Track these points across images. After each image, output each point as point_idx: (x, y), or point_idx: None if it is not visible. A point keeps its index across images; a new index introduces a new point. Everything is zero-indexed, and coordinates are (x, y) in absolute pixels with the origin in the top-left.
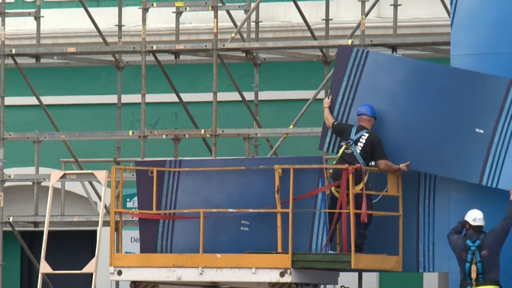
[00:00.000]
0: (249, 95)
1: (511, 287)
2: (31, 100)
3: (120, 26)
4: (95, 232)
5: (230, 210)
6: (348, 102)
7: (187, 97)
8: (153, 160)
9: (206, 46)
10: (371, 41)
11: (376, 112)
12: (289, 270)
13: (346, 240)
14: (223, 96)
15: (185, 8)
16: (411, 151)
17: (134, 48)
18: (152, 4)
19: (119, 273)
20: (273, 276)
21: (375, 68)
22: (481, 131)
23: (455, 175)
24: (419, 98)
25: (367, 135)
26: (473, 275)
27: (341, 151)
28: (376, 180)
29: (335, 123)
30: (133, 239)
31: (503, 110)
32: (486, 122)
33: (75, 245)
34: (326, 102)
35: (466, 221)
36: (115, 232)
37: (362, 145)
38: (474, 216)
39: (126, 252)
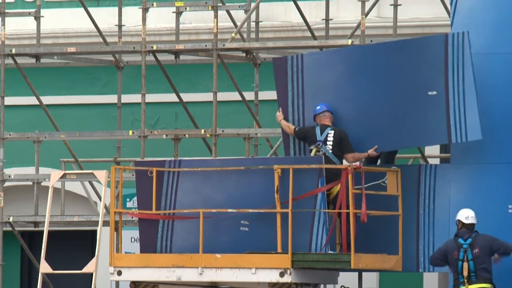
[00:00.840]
0: (249, 95)
1: None
2: (31, 100)
3: (120, 26)
4: (95, 232)
5: (229, 210)
6: (299, 109)
7: (187, 97)
8: (153, 160)
9: (206, 46)
10: (371, 41)
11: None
12: (289, 270)
13: (346, 239)
14: (223, 96)
15: (185, 8)
16: (374, 135)
17: (134, 48)
18: (152, 4)
19: (119, 273)
20: (273, 276)
21: (314, 68)
22: (434, 92)
23: (424, 143)
24: (365, 82)
25: (332, 132)
26: (465, 273)
27: (312, 154)
28: (374, 179)
29: (297, 129)
30: (133, 239)
31: (447, 65)
32: (436, 83)
33: (75, 245)
34: (279, 115)
35: (458, 220)
36: (115, 232)
37: (331, 143)
38: (467, 214)
39: (126, 252)
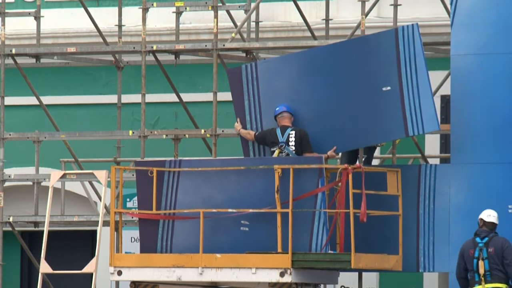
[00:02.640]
0: None
1: None
2: (31, 100)
3: (120, 26)
4: (95, 232)
5: (229, 210)
6: (257, 117)
7: (187, 97)
8: (153, 160)
9: (206, 46)
10: None
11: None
12: (289, 270)
13: (344, 239)
14: (223, 96)
15: (185, 8)
16: (333, 136)
17: (134, 48)
18: (152, 4)
19: (119, 273)
20: (273, 276)
21: (268, 75)
22: (388, 88)
23: (382, 139)
24: (320, 84)
25: (293, 132)
26: (481, 271)
27: (275, 155)
28: (374, 180)
29: (257, 134)
30: (133, 239)
31: (400, 60)
32: (389, 78)
33: (75, 245)
34: (238, 125)
35: (480, 219)
36: (115, 232)
37: (293, 143)
38: (489, 213)
39: (126, 252)
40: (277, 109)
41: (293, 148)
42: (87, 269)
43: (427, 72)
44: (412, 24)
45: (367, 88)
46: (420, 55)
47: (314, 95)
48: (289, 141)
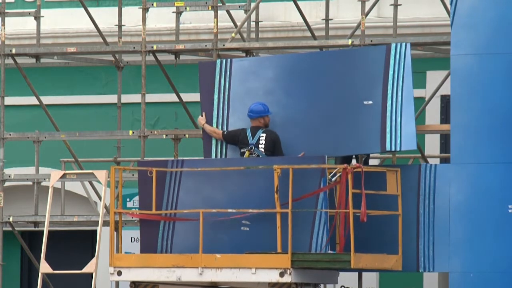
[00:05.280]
0: None
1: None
2: (31, 100)
3: (120, 26)
4: (95, 232)
5: (229, 210)
6: (224, 114)
7: (187, 97)
8: (156, 160)
9: (206, 46)
10: (371, 41)
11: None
12: (288, 270)
13: (343, 239)
14: None
15: (185, 8)
16: (305, 141)
17: (134, 48)
18: (152, 4)
19: (119, 273)
20: (272, 276)
21: (243, 74)
22: (370, 102)
23: (356, 151)
24: (296, 88)
25: (264, 134)
26: None
27: (245, 157)
28: (374, 180)
29: (225, 133)
30: (133, 239)
31: (388, 76)
32: (373, 93)
33: (75, 245)
34: (202, 119)
35: None
36: (115, 232)
37: (263, 146)
38: None
39: (126, 252)
40: (253, 108)
41: (263, 150)
42: (87, 269)
43: (413, 92)
44: (405, 43)
45: (347, 99)
46: (409, 74)
47: (289, 99)
48: (259, 143)
